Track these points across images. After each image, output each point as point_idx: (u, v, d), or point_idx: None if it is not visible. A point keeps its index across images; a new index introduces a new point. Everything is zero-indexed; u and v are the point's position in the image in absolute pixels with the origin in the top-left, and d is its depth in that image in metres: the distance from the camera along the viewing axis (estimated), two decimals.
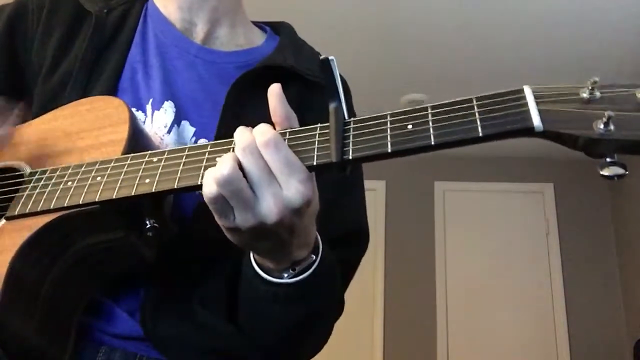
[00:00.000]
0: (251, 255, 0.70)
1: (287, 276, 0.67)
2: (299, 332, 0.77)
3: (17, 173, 0.76)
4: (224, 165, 0.59)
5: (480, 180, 4.97)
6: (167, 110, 0.85)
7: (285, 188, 0.59)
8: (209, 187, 0.59)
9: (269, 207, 0.59)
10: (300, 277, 0.67)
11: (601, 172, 0.49)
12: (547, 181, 4.94)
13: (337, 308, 0.85)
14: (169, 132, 0.84)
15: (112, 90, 0.85)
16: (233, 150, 0.61)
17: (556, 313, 4.59)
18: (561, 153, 4.70)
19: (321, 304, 0.74)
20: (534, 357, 4.49)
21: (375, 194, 4.85)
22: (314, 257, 0.68)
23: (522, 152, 4.79)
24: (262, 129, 0.61)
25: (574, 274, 4.66)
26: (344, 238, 0.87)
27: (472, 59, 3.76)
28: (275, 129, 0.63)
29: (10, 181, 0.75)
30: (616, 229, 4.75)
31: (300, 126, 0.64)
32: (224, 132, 0.81)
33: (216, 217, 0.62)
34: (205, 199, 0.60)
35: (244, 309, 0.77)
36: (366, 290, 4.57)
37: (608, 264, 4.70)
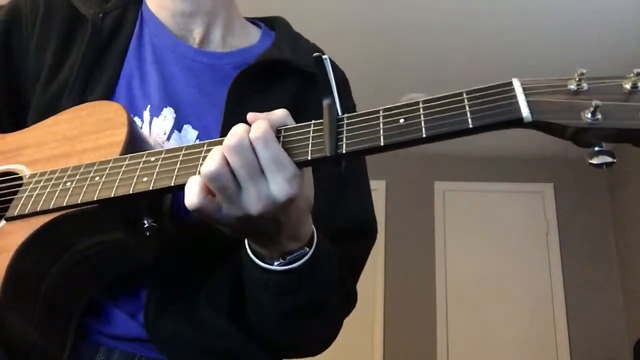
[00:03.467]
0: (246, 241, 0.72)
1: (277, 264, 0.69)
2: (294, 323, 0.77)
3: (16, 176, 0.76)
4: (212, 160, 0.60)
5: (480, 180, 4.96)
6: (167, 117, 0.85)
7: (271, 184, 0.61)
8: (197, 181, 0.61)
9: (252, 201, 0.61)
10: (291, 266, 0.69)
11: (590, 161, 0.51)
12: (547, 181, 4.93)
13: (340, 302, 0.85)
14: (168, 139, 0.84)
15: (109, 97, 0.85)
16: None
17: (556, 313, 4.58)
18: (561, 153, 4.70)
19: (316, 297, 0.74)
20: (534, 357, 4.48)
21: (375, 194, 4.77)
22: (307, 249, 0.69)
23: (522, 152, 4.79)
24: (257, 124, 0.62)
25: (574, 274, 4.66)
26: (352, 231, 0.89)
27: (472, 60, 3.77)
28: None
29: (10, 184, 0.76)
30: (616, 229, 4.75)
31: (300, 118, 0.66)
32: (228, 132, 0.82)
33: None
34: (191, 196, 0.61)
35: (247, 299, 0.78)
36: (366, 290, 4.55)
37: (608, 264, 4.69)
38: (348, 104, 0.96)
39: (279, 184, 0.61)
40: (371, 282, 4.64)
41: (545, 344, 4.51)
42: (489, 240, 4.81)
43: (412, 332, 4.56)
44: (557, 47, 3.57)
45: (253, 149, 0.61)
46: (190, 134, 0.85)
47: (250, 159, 0.61)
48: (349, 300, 0.88)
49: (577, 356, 4.43)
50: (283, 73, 0.91)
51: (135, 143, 0.75)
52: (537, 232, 4.83)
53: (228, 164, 0.61)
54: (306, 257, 0.69)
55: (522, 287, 4.66)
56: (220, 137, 0.81)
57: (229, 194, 0.61)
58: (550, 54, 3.63)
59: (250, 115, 0.65)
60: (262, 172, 0.61)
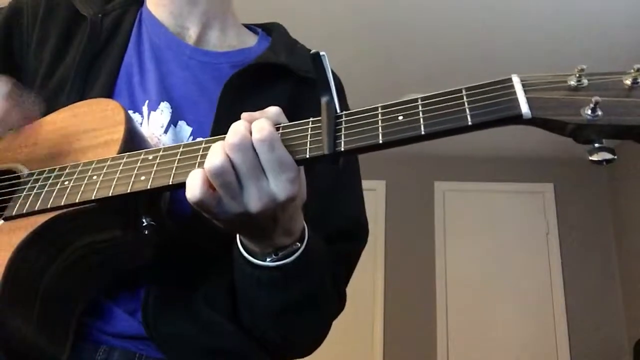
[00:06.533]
0: (238, 238, 0.71)
1: (269, 260, 0.69)
2: (287, 321, 0.77)
3: (14, 175, 0.76)
4: (216, 156, 0.60)
5: (480, 180, 4.97)
6: (164, 111, 0.86)
7: (273, 184, 0.61)
8: (199, 174, 0.61)
9: (254, 199, 0.61)
10: (283, 262, 0.69)
11: (590, 158, 0.50)
12: (547, 181, 4.94)
13: (332, 301, 0.85)
14: (165, 132, 0.85)
15: (109, 94, 0.86)
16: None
17: (556, 313, 4.58)
18: (561, 153, 4.70)
19: (308, 292, 0.74)
20: (534, 357, 4.48)
21: (375, 194, 4.86)
22: (299, 245, 0.69)
23: (522, 152, 4.80)
24: (260, 124, 0.61)
25: (574, 274, 4.66)
26: (344, 232, 0.89)
27: (472, 59, 3.77)
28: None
29: (8, 182, 0.75)
30: (616, 229, 4.75)
31: (292, 121, 0.65)
32: (220, 130, 0.82)
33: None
34: (193, 189, 0.61)
35: (238, 297, 0.78)
36: (366, 290, 4.57)
37: (608, 264, 4.70)
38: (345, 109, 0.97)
39: (282, 184, 0.61)
40: (371, 282, 4.64)
41: (545, 344, 4.51)
42: (489, 240, 4.81)
43: (412, 332, 4.56)
44: (557, 46, 3.57)
45: (255, 149, 0.60)
46: (184, 130, 0.86)
47: (252, 158, 0.60)
48: (340, 301, 0.88)
49: (577, 356, 4.43)
50: (278, 77, 0.91)
51: (133, 141, 0.74)
52: (537, 232, 4.84)
53: (230, 160, 0.60)
54: (298, 252, 0.69)
55: (522, 287, 4.66)
56: (211, 135, 0.81)
57: (231, 190, 0.61)
58: (551, 54, 3.63)
59: (245, 115, 0.64)
60: (264, 171, 0.61)
